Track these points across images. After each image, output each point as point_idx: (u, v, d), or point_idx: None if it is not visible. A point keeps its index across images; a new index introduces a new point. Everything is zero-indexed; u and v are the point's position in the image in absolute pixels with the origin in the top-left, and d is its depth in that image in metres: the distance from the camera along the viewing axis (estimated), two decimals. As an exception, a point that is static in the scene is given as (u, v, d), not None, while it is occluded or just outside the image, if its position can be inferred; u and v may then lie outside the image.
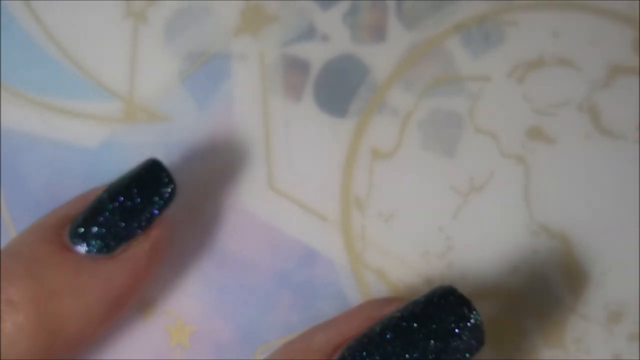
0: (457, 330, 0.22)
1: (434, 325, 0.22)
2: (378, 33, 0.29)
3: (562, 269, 0.27)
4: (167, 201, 0.25)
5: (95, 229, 0.25)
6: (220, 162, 0.28)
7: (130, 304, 0.26)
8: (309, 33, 0.29)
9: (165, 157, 0.28)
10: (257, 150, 0.28)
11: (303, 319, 0.27)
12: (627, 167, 0.27)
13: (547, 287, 0.27)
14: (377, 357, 0.22)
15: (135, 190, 0.25)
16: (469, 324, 0.22)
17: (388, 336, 0.22)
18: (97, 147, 0.29)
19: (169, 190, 0.25)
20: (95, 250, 0.24)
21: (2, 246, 0.25)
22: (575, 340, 0.27)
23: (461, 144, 0.28)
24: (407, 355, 0.22)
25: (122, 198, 0.25)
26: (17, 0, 0.30)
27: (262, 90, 0.29)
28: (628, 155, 0.27)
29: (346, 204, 0.28)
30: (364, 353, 0.22)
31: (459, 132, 0.28)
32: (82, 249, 0.24)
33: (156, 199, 0.25)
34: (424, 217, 0.28)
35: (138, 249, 0.25)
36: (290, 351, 0.23)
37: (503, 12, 0.28)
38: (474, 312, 0.22)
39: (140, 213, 0.25)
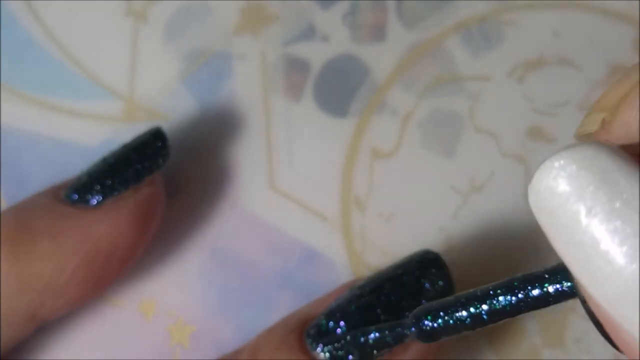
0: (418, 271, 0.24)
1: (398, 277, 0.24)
2: (378, 33, 0.29)
3: (562, 268, 0.27)
4: (156, 159, 0.26)
5: (83, 180, 0.25)
6: (220, 162, 0.28)
7: (114, 267, 0.26)
8: (309, 33, 0.29)
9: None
10: (257, 150, 0.28)
11: (303, 319, 0.27)
12: (627, 167, 0.27)
13: (547, 287, 0.27)
14: (348, 318, 0.23)
15: (129, 149, 0.26)
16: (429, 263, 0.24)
17: (354, 298, 0.23)
18: (98, 146, 0.29)
19: (161, 153, 0.26)
20: (78, 198, 0.25)
21: None
22: (575, 340, 0.27)
23: (461, 144, 0.28)
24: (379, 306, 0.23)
25: (113, 154, 0.26)
26: (17, 0, 0.30)
27: (262, 90, 0.29)
28: (628, 155, 0.27)
29: (346, 203, 0.28)
30: (337, 316, 0.23)
31: (459, 132, 0.28)
32: (70, 200, 0.25)
33: (146, 157, 0.26)
34: (424, 217, 0.28)
35: (122, 203, 0.25)
36: (269, 332, 0.24)
37: (503, 12, 0.28)
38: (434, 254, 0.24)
39: (128, 168, 0.25)
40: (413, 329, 0.21)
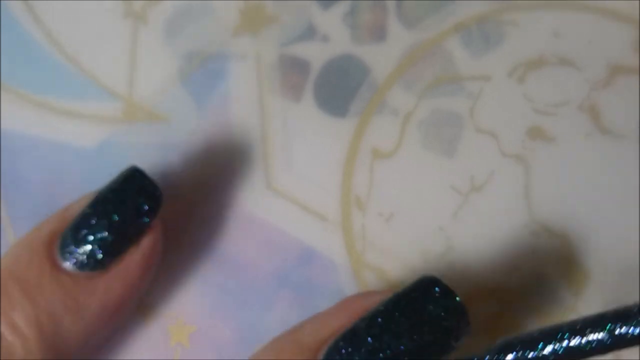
0: (441, 319, 0.22)
1: (417, 316, 0.22)
2: (378, 33, 0.29)
3: (562, 269, 0.27)
4: (154, 210, 0.25)
5: (85, 247, 0.24)
6: (219, 162, 0.28)
7: (129, 309, 0.26)
8: (309, 33, 0.29)
9: (164, 157, 0.28)
10: (257, 150, 0.28)
11: (302, 318, 0.27)
12: (627, 166, 0.27)
13: (547, 287, 0.27)
14: (363, 351, 0.22)
15: (120, 203, 0.25)
16: (453, 312, 0.22)
17: (373, 330, 0.22)
18: (97, 146, 0.29)
19: (155, 198, 0.25)
20: (88, 268, 0.25)
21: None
22: (575, 340, 0.27)
23: (461, 144, 0.28)
24: (390, 349, 0.22)
25: (107, 212, 0.24)
26: (17, 0, 0.30)
27: (262, 90, 0.29)
28: (628, 154, 0.27)
29: (346, 203, 0.28)
30: (350, 349, 0.22)
31: (459, 132, 0.28)
32: (75, 267, 0.24)
33: (143, 208, 0.25)
34: (424, 217, 0.27)
35: (130, 261, 0.25)
36: (278, 346, 0.23)
37: (503, 12, 0.28)
38: (457, 300, 0.22)
39: (128, 226, 0.25)
40: None
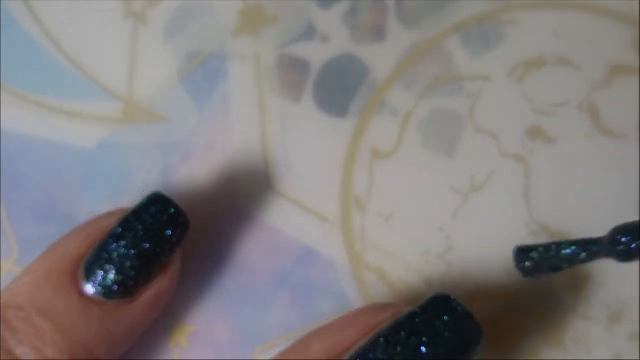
0: (452, 336, 0.22)
1: (430, 335, 0.22)
2: (378, 33, 0.29)
3: (562, 269, 0.27)
4: (181, 237, 0.24)
5: (113, 276, 0.24)
6: (219, 162, 0.28)
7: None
8: (309, 33, 0.29)
9: (164, 157, 0.28)
10: (257, 151, 0.28)
11: (302, 319, 0.27)
12: (627, 166, 0.27)
13: (547, 287, 0.27)
14: None
15: (147, 233, 0.24)
16: (465, 328, 0.22)
17: (386, 348, 0.22)
18: (97, 147, 0.29)
19: (182, 225, 0.24)
20: (117, 297, 0.24)
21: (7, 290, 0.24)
22: (575, 340, 0.27)
23: (461, 144, 0.28)
24: None
25: (137, 240, 0.24)
26: (17, 0, 0.30)
27: (262, 90, 0.29)
28: (628, 154, 0.27)
29: (346, 204, 0.28)
30: None
31: (459, 132, 0.28)
32: (104, 298, 0.24)
33: (172, 237, 0.24)
34: (424, 217, 0.27)
35: (159, 289, 0.24)
36: None
37: (503, 12, 0.28)
38: (470, 316, 0.22)
39: (157, 256, 0.24)
40: (609, 246, 0.20)
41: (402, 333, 0.22)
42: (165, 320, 0.27)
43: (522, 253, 0.24)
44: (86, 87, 0.29)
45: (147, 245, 0.24)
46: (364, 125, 0.28)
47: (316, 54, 0.29)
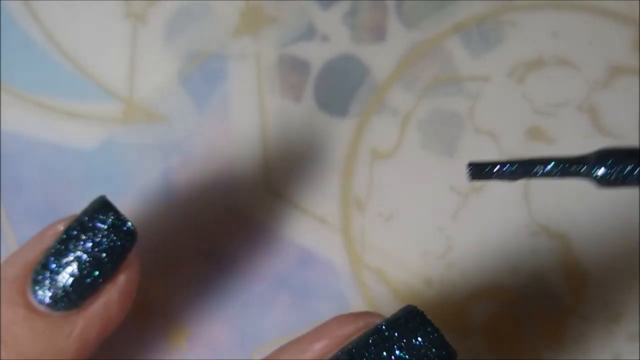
0: (426, 353, 0.21)
1: (398, 348, 0.21)
2: (378, 33, 0.29)
3: (562, 269, 0.27)
4: (128, 247, 0.23)
5: (57, 286, 0.23)
6: (219, 163, 0.28)
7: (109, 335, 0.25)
8: (309, 33, 0.29)
9: (164, 157, 0.28)
10: (256, 151, 0.28)
11: (301, 320, 0.27)
12: (627, 167, 0.27)
13: (547, 287, 0.27)
14: None
15: (90, 241, 0.23)
16: (432, 343, 0.21)
17: None
18: (97, 147, 0.29)
19: (130, 234, 0.23)
20: (63, 309, 0.23)
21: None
22: (575, 340, 0.27)
23: (461, 144, 0.28)
24: None
25: (78, 252, 0.23)
26: (17, 0, 0.30)
27: (262, 90, 0.29)
28: (628, 155, 0.27)
29: (346, 204, 0.28)
30: None
31: (459, 132, 0.28)
32: (49, 309, 0.23)
33: (118, 244, 0.23)
34: (423, 217, 0.27)
35: (107, 299, 0.23)
36: None
37: (503, 12, 0.28)
38: (436, 331, 0.21)
39: (100, 265, 0.23)
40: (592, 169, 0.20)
41: (372, 348, 0.21)
42: (164, 322, 0.27)
43: (479, 167, 0.22)
44: (86, 88, 0.29)
45: (87, 255, 0.23)
46: (364, 125, 0.28)
47: (316, 54, 0.29)
